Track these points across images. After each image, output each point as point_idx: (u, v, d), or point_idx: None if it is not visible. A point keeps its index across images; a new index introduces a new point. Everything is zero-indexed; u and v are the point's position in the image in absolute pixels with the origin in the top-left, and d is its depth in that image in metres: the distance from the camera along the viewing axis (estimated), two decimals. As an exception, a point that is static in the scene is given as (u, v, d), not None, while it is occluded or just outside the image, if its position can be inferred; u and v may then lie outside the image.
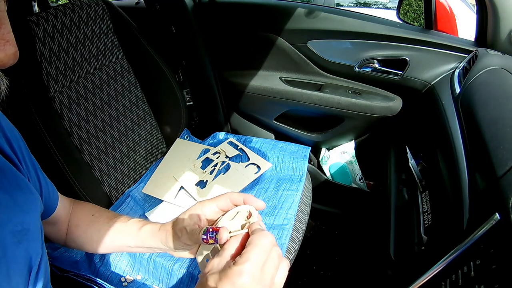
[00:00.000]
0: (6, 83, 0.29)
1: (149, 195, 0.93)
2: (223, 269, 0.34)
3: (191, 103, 1.38)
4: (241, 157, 1.04)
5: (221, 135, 1.15)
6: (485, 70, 0.80)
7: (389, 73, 1.08)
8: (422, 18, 1.11)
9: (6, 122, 0.43)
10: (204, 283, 0.35)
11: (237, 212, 0.43)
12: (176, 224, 0.46)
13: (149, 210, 0.89)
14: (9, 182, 0.38)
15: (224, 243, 0.38)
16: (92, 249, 0.55)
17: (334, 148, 1.26)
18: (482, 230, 0.49)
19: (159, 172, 1.00)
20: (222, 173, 0.98)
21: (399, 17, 1.17)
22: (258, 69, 1.24)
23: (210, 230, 0.39)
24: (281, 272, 0.35)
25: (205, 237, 0.39)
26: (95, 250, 0.55)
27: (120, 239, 0.53)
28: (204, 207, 0.45)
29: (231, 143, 1.09)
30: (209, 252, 0.41)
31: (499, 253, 0.45)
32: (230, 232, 0.39)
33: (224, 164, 1.01)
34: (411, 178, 0.85)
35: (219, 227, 0.39)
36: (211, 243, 0.39)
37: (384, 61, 1.09)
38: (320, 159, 1.28)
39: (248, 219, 0.42)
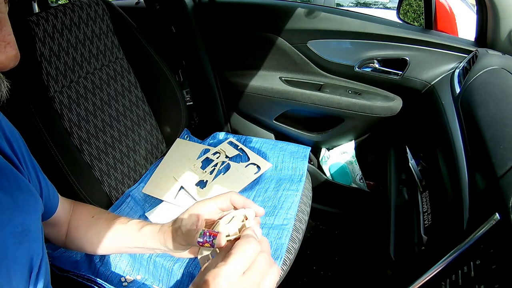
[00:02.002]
0: (7, 86, 0.28)
1: (149, 195, 0.93)
2: (207, 270, 0.34)
3: (191, 103, 1.38)
4: (241, 157, 1.04)
5: (221, 135, 1.15)
6: (485, 70, 0.80)
7: (389, 73, 1.08)
8: (422, 18, 1.11)
9: (6, 122, 0.43)
10: (195, 282, 0.35)
11: (233, 217, 0.42)
12: (175, 224, 0.46)
13: (149, 210, 0.89)
14: (9, 183, 0.38)
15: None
16: (92, 251, 0.55)
17: (334, 148, 1.26)
18: (482, 230, 0.49)
19: (159, 172, 1.00)
20: (222, 173, 0.98)
21: (399, 17, 1.17)
22: (258, 69, 1.24)
23: (207, 233, 0.39)
24: (269, 279, 0.35)
25: (201, 240, 0.39)
26: (94, 252, 0.55)
27: (120, 240, 0.52)
28: (204, 206, 0.45)
29: (231, 143, 1.09)
30: (209, 253, 0.41)
31: (499, 253, 0.45)
32: (228, 236, 0.39)
33: (224, 164, 1.01)
34: (411, 178, 0.85)
35: (217, 232, 0.38)
36: (207, 247, 0.39)
37: (384, 61, 1.09)
38: (320, 159, 1.28)
39: (244, 221, 0.42)
